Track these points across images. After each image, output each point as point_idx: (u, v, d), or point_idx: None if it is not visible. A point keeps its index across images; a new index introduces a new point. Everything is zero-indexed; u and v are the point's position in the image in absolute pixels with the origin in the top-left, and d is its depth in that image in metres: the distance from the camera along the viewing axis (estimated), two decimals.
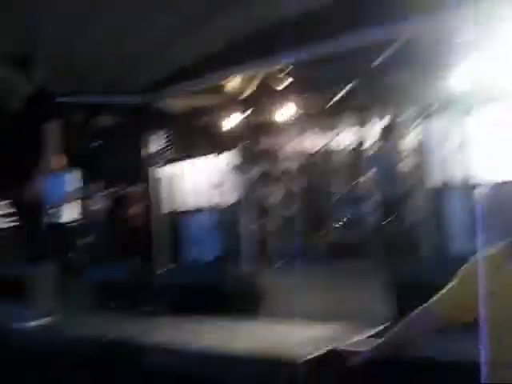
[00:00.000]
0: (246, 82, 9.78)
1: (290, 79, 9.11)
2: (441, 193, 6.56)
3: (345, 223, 9.21)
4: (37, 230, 4.39)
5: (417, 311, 2.39)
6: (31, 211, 4.35)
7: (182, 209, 9.02)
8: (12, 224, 4.72)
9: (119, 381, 3.12)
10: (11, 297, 5.08)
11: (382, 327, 3.00)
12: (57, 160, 6.78)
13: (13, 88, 4.43)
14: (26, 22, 8.57)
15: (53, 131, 4.32)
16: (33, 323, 4.01)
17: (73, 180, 7.98)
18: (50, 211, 7.02)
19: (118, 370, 3.14)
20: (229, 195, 8.42)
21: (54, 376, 3.48)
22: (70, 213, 8.02)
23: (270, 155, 11.63)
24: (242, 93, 9.80)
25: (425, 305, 2.37)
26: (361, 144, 10.34)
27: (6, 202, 4.59)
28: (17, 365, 3.69)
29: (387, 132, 8.57)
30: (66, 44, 9.58)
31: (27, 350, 3.65)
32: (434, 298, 2.34)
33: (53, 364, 3.54)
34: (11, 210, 4.69)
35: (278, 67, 9.00)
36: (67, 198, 7.84)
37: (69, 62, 10.13)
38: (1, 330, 3.98)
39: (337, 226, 9.46)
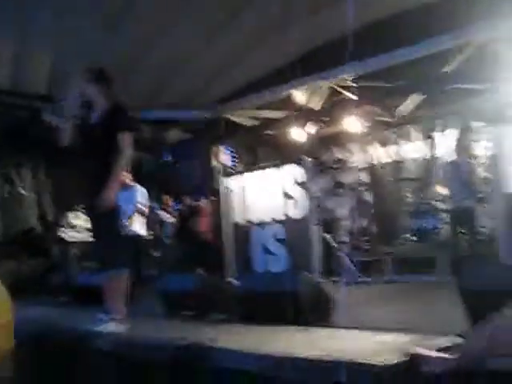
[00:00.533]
0: (314, 94, 9.80)
1: (362, 90, 9.04)
2: None
3: (418, 235, 9.02)
4: (113, 241, 4.50)
5: (502, 319, 2.28)
6: (108, 222, 4.47)
7: (253, 220, 9.06)
8: (90, 234, 4.85)
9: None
10: (93, 303, 5.29)
11: (460, 338, 2.92)
12: (126, 174, 6.98)
13: (92, 102, 4.60)
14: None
15: (126, 145, 4.43)
16: (110, 328, 4.15)
17: (142, 193, 8.17)
18: (123, 223, 7.23)
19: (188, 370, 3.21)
20: (300, 207, 8.40)
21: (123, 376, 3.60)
22: (140, 225, 8.22)
23: (341, 166, 11.59)
24: (309, 105, 9.82)
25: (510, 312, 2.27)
26: (434, 154, 10.16)
27: (85, 212, 4.74)
28: (93, 365, 3.85)
29: (461, 141, 8.35)
30: (140, 60, 9.99)
31: (106, 352, 3.78)
32: None
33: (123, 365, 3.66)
34: (89, 221, 4.83)
35: (349, 77, 8.97)
36: (138, 211, 8.03)
37: (139, 78, 10.53)
38: (85, 334, 4.14)
39: (410, 238, 9.27)
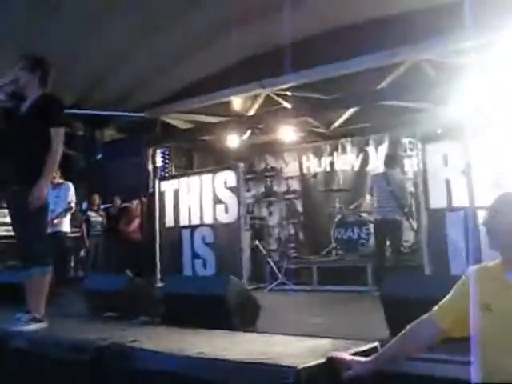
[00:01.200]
0: (250, 101, 9.87)
1: (298, 100, 9.18)
2: (441, 215, 6.60)
3: (344, 245, 9.20)
4: (38, 239, 4.36)
5: (417, 322, 2.39)
6: (35, 219, 4.33)
7: (183, 224, 9.02)
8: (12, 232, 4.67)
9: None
10: (10, 302, 5.12)
11: (376, 342, 3.02)
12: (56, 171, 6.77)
13: (24, 90, 4.45)
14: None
15: (59, 140, 4.31)
16: (30, 327, 4.03)
17: (71, 192, 7.97)
18: (51, 221, 7.03)
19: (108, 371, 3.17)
20: (230, 212, 8.43)
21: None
22: (68, 224, 8.02)
23: (274, 174, 11.72)
24: (245, 112, 9.88)
25: (425, 315, 2.37)
26: (363, 167, 10.45)
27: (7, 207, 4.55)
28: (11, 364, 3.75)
29: (390, 154, 8.63)
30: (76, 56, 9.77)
31: (26, 351, 3.68)
32: (435, 309, 2.35)
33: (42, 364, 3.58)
34: (10, 216, 4.66)
35: (282, 87, 9.09)
36: (66, 210, 7.83)
37: (77, 74, 10.31)
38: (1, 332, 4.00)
39: (336, 247, 9.45)
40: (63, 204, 7.73)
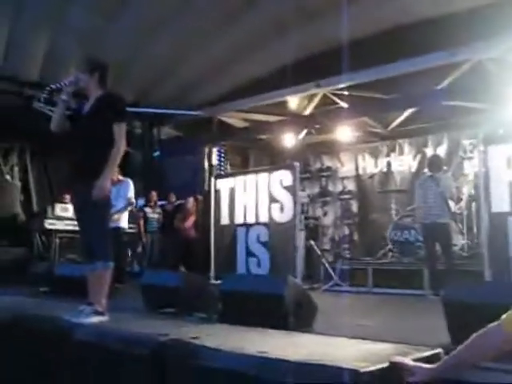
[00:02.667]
0: (307, 101, 9.84)
1: (356, 99, 9.11)
2: (504, 219, 6.42)
3: (400, 247, 9.06)
4: (101, 233, 4.48)
5: (485, 329, 2.32)
6: (98, 213, 4.44)
7: (238, 222, 9.06)
8: (76, 225, 4.81)
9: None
10: (71, 295, 5.26)
11: (440, 349, 2.96)
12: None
13: (86, 91, 4.57)
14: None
15: (121, 136, 4.41)
16: (92, 320, 4.14)
17: (131, 188, 8.13)
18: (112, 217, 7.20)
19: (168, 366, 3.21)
20: (286, 211, 8.41)
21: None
22: (126, 220, 8.19)
23: (329, 174, 11.66)
24: (302, 111, 9.86)
25: (493, 323, 2.30)
26: (420, 168, 10.24)
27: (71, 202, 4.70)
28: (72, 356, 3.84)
29: (432, 159, 8.26)
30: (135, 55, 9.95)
31: (87, 344, 3.76)
32: (504, 317, 2.28)
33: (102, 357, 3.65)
34: (75, 211, 4.79)
35: (338, 87, 9.03)
36: (126, 206, 8.00)
37: (135, 74, 10.50)
38: (64, 324, 4.11)
39: (392, 249, 9.31)
40: (123, 200, 7.89)
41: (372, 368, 2.47)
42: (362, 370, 2.42)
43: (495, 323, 2.30)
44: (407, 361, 2.63)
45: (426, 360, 2.73)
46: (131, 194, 8.07)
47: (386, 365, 2.55)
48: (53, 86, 4.55)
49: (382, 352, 2.90)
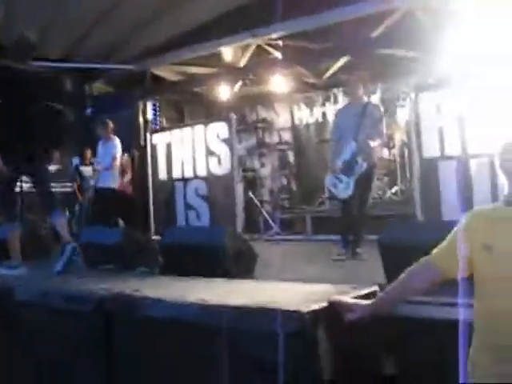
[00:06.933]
0: (241, 52, 9.73)
1: (289, 49, 9.07)
2: (434, 164, 6.62)
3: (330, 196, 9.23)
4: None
5: (416, 265, 2.43)
6: None
7: (176, 177, 9.02)
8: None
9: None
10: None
11: (376, 286, 3.08)
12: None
13: None
14: None
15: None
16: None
17: (115, 146, 8.38)
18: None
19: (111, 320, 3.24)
20: (223, 165, 8.42)
21: None
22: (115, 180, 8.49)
23: (265, 126, 11.67)
24: (236, 63, 9.75)
25: (424, 258, 2.41)
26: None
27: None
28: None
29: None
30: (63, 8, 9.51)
31: (29, 304, 3.75)
32: (434, 252, 2.38)
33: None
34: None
35: (273, 37, 8.96)
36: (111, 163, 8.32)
37: (63, 29, 10.06)
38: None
39: (328, 197, 9.48)
40: (110, 158, 8.25)
41: (312, 308, 2.55)
42: (304, 311, 2.49)
43: (425, 258, 2.41)
44: (346, 299, 2.74)
45: (364, 297, 2.84)
46: (115, 151, 8.26)
47: (325, 304, 2.64)
48: None
49: (322, 293, 2.99)
